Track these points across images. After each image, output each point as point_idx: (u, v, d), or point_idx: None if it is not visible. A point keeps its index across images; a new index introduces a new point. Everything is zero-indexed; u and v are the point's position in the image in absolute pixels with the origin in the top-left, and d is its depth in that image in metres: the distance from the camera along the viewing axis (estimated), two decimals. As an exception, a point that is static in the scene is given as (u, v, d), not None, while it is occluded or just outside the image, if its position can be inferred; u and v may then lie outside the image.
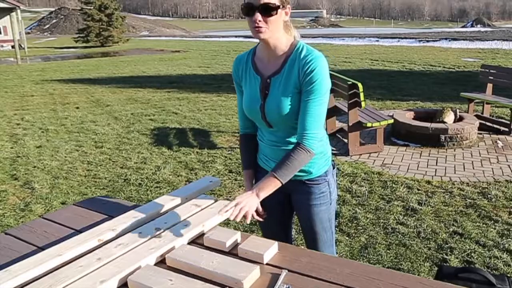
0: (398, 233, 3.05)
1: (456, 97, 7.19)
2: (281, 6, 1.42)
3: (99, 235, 1.43)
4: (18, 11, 28.39)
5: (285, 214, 1.82)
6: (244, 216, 1.39)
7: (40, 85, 11.55)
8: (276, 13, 1.41)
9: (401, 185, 3.92)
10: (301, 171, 1.58)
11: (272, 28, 1.44)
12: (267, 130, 1.62)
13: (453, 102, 7.31)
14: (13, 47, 23.30)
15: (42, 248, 1.44)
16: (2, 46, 31.00)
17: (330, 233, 1.74)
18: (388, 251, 2.83)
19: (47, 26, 70.37)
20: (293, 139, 1.56)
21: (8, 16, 26.65)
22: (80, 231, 1.55)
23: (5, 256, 1.41)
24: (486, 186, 3.87)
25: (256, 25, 1.42)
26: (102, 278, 1.19)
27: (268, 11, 1.40)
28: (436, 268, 2.53)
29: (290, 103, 1.50)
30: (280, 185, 1.46)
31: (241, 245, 1.36)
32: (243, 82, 1.63)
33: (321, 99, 1.47)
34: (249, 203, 1.40)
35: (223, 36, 39.07)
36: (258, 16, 1.40)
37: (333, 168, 1.73)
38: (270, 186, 1.45)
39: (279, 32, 1.48)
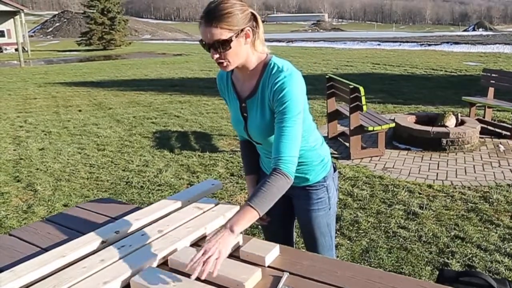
0: (399, 237, 3.06)
1: (458, 101, 7.19)
2: (235, 36, 1.32)
3: (102, 236, 1.44)
4: (22, 14, 28.59)
5: (287, 218, 1.82)
6: (218, 258, 1.18)
7: (43, 88, 11.60)
8: (231, 47, 1.32)
9: (403, 189, 3.92)
10: (297, 178, 1.55)
11: (234, 60, 1.37)
12: (258, 145, 1.62)
13: (455, 106, 7.32)
14: (16, 50, 23.41)
15: (45, 249, 1.45)
16: (5, 49, 31.16)
17: (329, 238, 1.73)
18: (389, 255, 2.84)
19: (50, 29, 70.68)
20: None
21: (11, 19, 26.83)
22: (83, 233, 1.56)
23: (9, 257, 1.43)
24: (487, 190, 3.87)
25: (216, 61, 1.36)
26: (105, 279, 1.20)
27: (223, 46, 1.32)
28: (437, 272, 2.53)
29: (270, 125, 1.44)
30: (258, 216, 1.30)
31: (243, 247, 1.37)
32: (227, 99, 1.63)
33: (294, 120, 1.37)
34: (220, 247, 1.20)
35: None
36: (215, 54, 1.34)
37: (334, 171, 1.71)
38: (246, 218, 1.28)
39: (245, 57, 1.40)
